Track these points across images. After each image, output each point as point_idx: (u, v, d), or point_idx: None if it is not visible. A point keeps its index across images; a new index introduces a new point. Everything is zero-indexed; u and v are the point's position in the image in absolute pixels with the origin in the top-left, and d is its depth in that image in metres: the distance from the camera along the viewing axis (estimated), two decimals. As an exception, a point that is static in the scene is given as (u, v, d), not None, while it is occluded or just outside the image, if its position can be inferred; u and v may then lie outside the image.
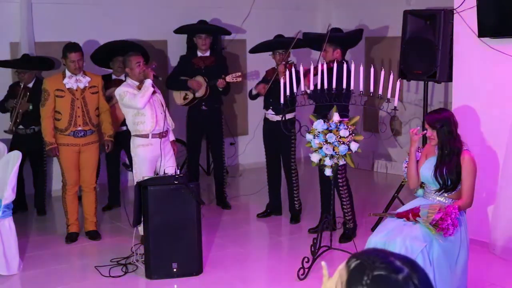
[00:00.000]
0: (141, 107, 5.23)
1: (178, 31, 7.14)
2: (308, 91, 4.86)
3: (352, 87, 4.76)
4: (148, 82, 5.27)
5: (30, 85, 6.40)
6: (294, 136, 6.00)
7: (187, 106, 6.67)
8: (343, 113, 5.10)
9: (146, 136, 5.33)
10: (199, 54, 6.62)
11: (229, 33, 7.40)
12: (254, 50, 6.48)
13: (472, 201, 4.05)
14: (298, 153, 6.48)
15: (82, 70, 5.58)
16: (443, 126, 3.99)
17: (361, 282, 1.39)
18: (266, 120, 6.23)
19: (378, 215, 5.32)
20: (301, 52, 7.28)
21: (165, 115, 5.43)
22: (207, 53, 6.64)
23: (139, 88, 5.33)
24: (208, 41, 6.61)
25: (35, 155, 6.48)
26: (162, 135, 5.37)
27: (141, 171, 5.34)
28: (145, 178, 4.98)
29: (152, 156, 5.37)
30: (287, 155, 6.14)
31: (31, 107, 6.25)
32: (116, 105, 6.25)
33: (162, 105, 5.42)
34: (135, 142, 5.39)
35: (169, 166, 5.19)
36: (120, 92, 5.32)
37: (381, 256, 1.45)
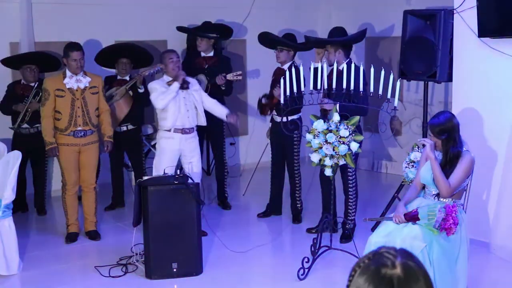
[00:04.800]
0: (160, 108, 5.56)
1: (180, 30, 7.15)
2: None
3: (352, 87, 4.78)
4: (175, 85, 5.51)
5: (33, 84, 6.39)
6: (298, 137, 6.01)
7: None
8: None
9: (168, 130, 5.59)
10: (203, 54, 6.62)
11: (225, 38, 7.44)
12: (260, 40, 6.38)
13: (451, 193, 4.02)
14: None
15: (83, 69, 5.59)
16: (448, 136, 4.01)
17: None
18: (272, 120, 6.25)
19: (374, 220, 5.29)
20: (308, 53, 7.26)
21: (195, 113, 5.66)
22: (211, 53, 6.63)
23: (169, 84, 5.54)
24: (204, 42, 6.59)
25: (36, 155, 6.45)
26: (185, 131, 5.59)
27: (159, 161, 5.58)
28: (153, 174, 5.09)
29: (172, 148, 5.58)
30: (290, 156, 6.14)
31: (41, 106, 6.25)
32: (115, 104, 6.27)
33: (194, 103, 5.64)
34: (159, 134, 5.70)
35: (191, 162, 5.42)
36: (151, 87, 5.62)
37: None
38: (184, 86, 5.56)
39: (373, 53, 8.43)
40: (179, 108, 5.55)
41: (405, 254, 1.54)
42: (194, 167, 5.53)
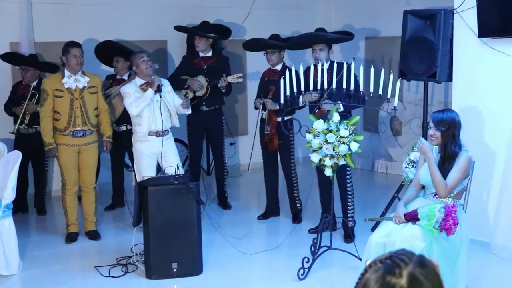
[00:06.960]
0: (134, 115, 5.43)
1: (179, 29, 7.13)
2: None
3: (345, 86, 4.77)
4: (149, 92, 5.35)
5: (34, 84, 6.39)
6: (293, 136, 6.01)
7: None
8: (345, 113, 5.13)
9: (143, 133, 5.48)
10: (201, 54, 6.60)
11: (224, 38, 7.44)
12: (248, 47, 6.45)
13: (448, 193, 4.03)
14: (296, 153, 6.46)
15: (82, 67, 5.58)
16: (449, 129, 4.01)
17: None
18: (263, 120, 6.21)
19: (374, 220, 5.30)
20: (297, 53, 7.25)
21: (168, 115, 5.52)
22: (209, 54, 6.63)
23: (142, 88, 5.39)
24: (202, 42, 6.57)
25: (37, 155, 6.47)
26: (159, 134, 5.46)
27: (139, 165, 5.51)
28: (145, 177, 5.00)
29: (149, 152, 5.48)
30: (286, 156, 6.13)
31: (38, 109, 6.24)
32: (113, 101, 6.27)
33: (166, 105, 5.48)
34: (134, 137, 5.57)
35: (171, 166, 5.19)
36: (123, 91, 5.47)
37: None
38: (158, 91, 5.38)
39: (373, 53, 8.43)
40: (153, 113, 5.41)
41: (419, 263, 1.52)
42: (168, 170, 5.18)
